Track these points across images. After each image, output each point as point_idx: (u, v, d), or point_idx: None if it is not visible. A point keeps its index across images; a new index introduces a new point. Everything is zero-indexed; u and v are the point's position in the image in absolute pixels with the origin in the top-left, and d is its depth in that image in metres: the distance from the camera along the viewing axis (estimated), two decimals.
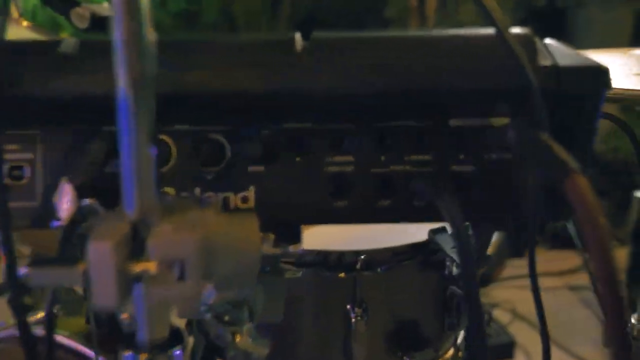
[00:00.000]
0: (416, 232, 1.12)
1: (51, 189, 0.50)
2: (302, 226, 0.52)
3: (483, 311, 0.52)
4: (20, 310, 0.48)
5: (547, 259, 2.40)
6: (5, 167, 0.51)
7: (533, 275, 0.54)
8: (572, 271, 2.51)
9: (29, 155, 0.51)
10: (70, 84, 0.48)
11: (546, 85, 0.46)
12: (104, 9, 0.59)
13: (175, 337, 0.49)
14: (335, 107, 0.49)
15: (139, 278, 0.42)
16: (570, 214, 0.49)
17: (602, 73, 0.47)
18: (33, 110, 0.49)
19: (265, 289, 0.56)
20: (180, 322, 1.01)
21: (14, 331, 1.07)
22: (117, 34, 0.40)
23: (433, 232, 1.08)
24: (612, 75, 0.48)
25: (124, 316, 0.53)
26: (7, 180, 0.51)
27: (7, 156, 0.51)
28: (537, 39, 0.49)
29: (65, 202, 0.48)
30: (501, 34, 0.44)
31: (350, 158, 0.51)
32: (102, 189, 0.48)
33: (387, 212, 0.52)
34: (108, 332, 1.10)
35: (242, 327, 0.54)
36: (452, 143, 0.50)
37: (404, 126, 0.51)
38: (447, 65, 0.48)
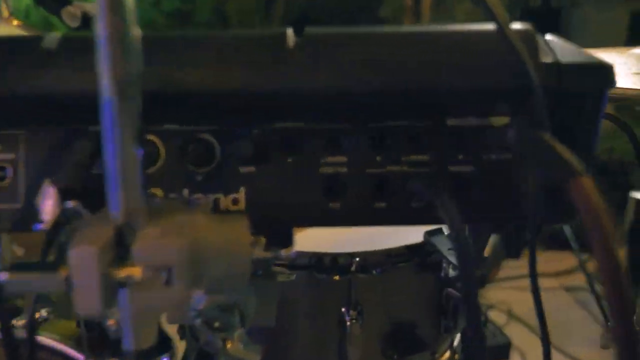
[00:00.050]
0: (412, 234, 1.11)
1: (34, 190, 0.49)
2: (295, 229, 0.51)
3: (481, 314, 0.51)
4: (1, 314, 0.47)
5: (543, 260, 2.38)
6: None
7: (533, 276, 0.52)
8: (568, 272, 2.51)
9: (11, 156, 0.50)
10: (54, 81, 0.46)
11: (547, 82, 0.45)
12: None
13: (163, 344, 0.47)
14: (329, 105, 0.47)
15: (124, 284, 0.41)
16: (572, 215, 0.47)
17: (605, 70, 0.46)
18: (14, 109, 0.47)
19: (257, 292, 0.55)
20: (172, 326, 1.00)
21: None
22: (101, 31, 0.38)
23: (429, 233, 1.07)
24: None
25: (110, 322, 0.52)
26: None
27: None
28: (538, 35, 0.47)
29: (49, 205, 0.47)
30: (502, 30, 0.42)
31: (344, 158, 0.50)
32: (88, 191, 0.47)
33: (383, 214, 0.50)
34: (98, 335, 1.09)
35: (233, 333, 0.53)
36: (450, 143, 0.49)
37: (400, 125, 0.49)
38: (445, 61, 0.46)
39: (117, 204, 0.41)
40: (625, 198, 2.00)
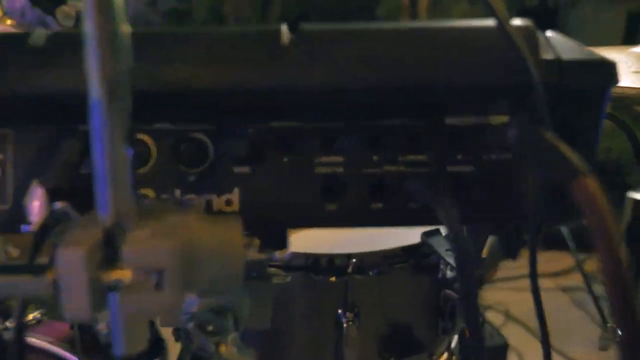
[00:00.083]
0: (409, 235, 1.11)
1: (22, 191, 0.47)
2: (289, 230, 0.50)
3: (480, 316, 0.50)
4: None
5: (540, 260, 2.36)
6: None
7: (533, 276, 0.51)
8: (565, 272, 2.51)
9: None
10: (42, 79, 0.45)
11: (548, 80, 0.43)
12: None
13: (155, 348, 0.46)
14: (325, 103, 0.46)
15: (113, 287, 0.39)
16: (574, 216, 0.46)
17: (608, 67, 0.45)
18: (2, 108, 0.46)
19: (252, 295, 0.54)
20: (167, 328, 0.98)
21: None
22: (89, 29, 0.37)
23: (426, 234, 1.07)
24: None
25: (101, 326, 0.51)
26: None
27: None
28: (538, 32, 0.46)
29: (37, 206, 0.46)
30: (502, 25, 0.41)
31: (341, 158, 0.49)
32: (78, 192, 0.46)
33: (380, 215, 0.49)
34: (92, 338, 1.08)
35: (226, 337, 0.52)
36: (449, 142, 0.48)
37: (398, 124, 0.48)
38: (443, 58, 0.45)
39: (106, 205, 0.40)
40: (622, 198, 2.00)
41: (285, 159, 0.49)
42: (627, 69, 0.90)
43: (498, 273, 2.26)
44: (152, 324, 0.81)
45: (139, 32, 0.42)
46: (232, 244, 0.42)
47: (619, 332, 0.36)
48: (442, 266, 1.11)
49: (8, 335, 0.91)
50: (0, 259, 0.53)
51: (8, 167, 0.49)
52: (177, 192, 0.49)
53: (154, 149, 0.49)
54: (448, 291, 1.11)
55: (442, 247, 1.03)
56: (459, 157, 0.48)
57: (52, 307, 1.23)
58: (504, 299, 2.32)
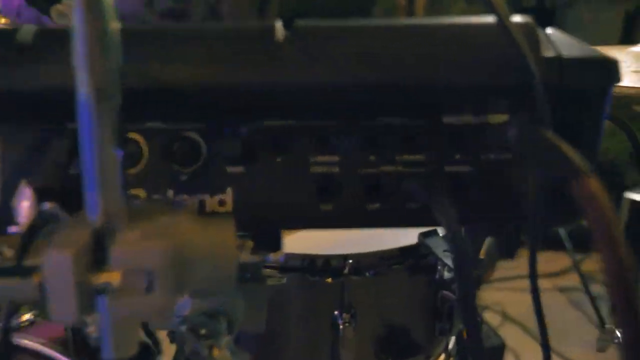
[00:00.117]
0: (406, 235, 1.10)
1: (10, 191, 0.46)
2: (284, 231, 0.49)
3: (479, 317, 0.49)
4: None
5: (537, 260, 2.38)
6: None
7: (533, 277, 0.50)
8: (562, 272, 2.51)
9: None
10: (30, 76, 0.44)
11: (549, 77, 0.43)
12: None
13: (145, 353, 0.45)
14: (320, 102, 0.45)
15: (102, 290, 0.38)
16: (574, 217, 0.45)
17: (610, 65, 0.44)
18: None
19: (246, 297, 0.53)
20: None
21: None
22: (77, 24, 0.36)
23: (423, 235, 1.06)
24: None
25: (90, 329, 0.50)
26: None
27: None
28: (538, 29, 0.45)
29: (25, 206, 0.45)
30: (501, 22, 0.40)
31: (336, 158, 0.48)
32: (66, 192, 0.45)
33: (377, 216, 0.48)
34: (85, 339, 1.07)
35: (219, 340, 0.51)
36: (447, 142, 0.47)
37: (395, 123, 0.47)
38: (441, 55, 0.44)
39: (95, 206, 0.39)
40: (619, 199, 2.00)
41: (279, 159, 0.48)
42: (626, 69, 0.90)
43: (495, 273, 2.26)
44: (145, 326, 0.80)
45: (129, 28, 0.41)
46: (224, 246, 0.41)
47: (618, 334, 0.35)
48: (439, 267, 1.10)
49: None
50: None
51: None
52: (169, 193, 0.48)
53: (145, 148, 0.48)
54: (445, 292, 1.10)
55: (439, 247, 1.02)
56: (457, 156, 0.47)
57: (45, 308, 1.22)
58: (501, 299, 2.32)
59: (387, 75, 0.44)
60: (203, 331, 0.50)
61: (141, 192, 0.48)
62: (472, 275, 0.45)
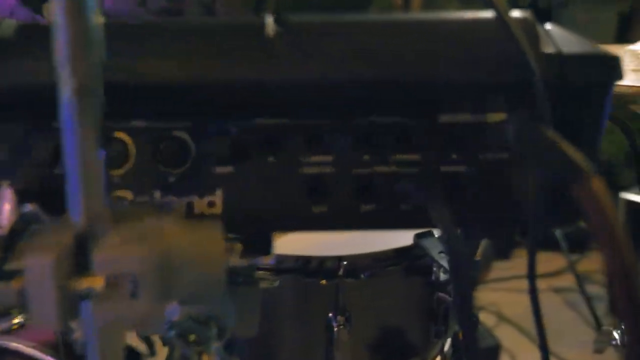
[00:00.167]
0: (401, 237, 1.09)
1: None
2: (275, 234, 0.47)
3: (475, 317, 0.48)
4: None
5: None
6: None
7: (532, 278, 0.49)
8: (557, 273, 2.50)
9: None
10: (11, 72, 0.43)
11: (549, 74, 0.41)
12: None
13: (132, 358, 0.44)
14: (312, 99, 0.44)
15: (85, 295, 0.37)
16: (574, 218, 0.44)
17: (611, 62, 0.43)
18: None
19: (238, 300, 0.52)
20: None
21: None
22: (58, 18, 0.34)
23: (418, 236, 1.05)
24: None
25: (76, 335, 0.48)
26: None
27: None
28: (538, 24, 0.44)
29: (6, 208, 0.43)
30: (500, 17, 0.39)
31: (329, 157, 0.47)
32: (50, 193, 0.44)
33: (370, 218, 0.47)
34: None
35: (209, 347, 0.49)
36: (443, 141, 0.46)
37: (389, 122, 0.46)
38: (438, 51, 0.43)
39: (78, 209, 0.38)
40: (615, 199, 2.00)
41: (270, 158, 0.46)
42: (625, 67, 0.89)
43: (490, 274, 2.26)
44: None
45: (114, 23, 0.40)
46: (212, 250, 0.39)
47: (615, 335, 0.34)
48: (435, 269, 1.09)
49: None
50: None
51: None
52: (157, 194, 0.47)
53: (132, 148, 0.46)
54: (441, 294, 1.09)
55: (435, 249, 1.01)
56: (454, 156, 0.46)
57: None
58: (497, 299, 2.32)
59: (381, 72, 0.43)
60: (192, 337, 0.48)
61: (128, 194, 0.47)
62: (468, 277, 0.44)
